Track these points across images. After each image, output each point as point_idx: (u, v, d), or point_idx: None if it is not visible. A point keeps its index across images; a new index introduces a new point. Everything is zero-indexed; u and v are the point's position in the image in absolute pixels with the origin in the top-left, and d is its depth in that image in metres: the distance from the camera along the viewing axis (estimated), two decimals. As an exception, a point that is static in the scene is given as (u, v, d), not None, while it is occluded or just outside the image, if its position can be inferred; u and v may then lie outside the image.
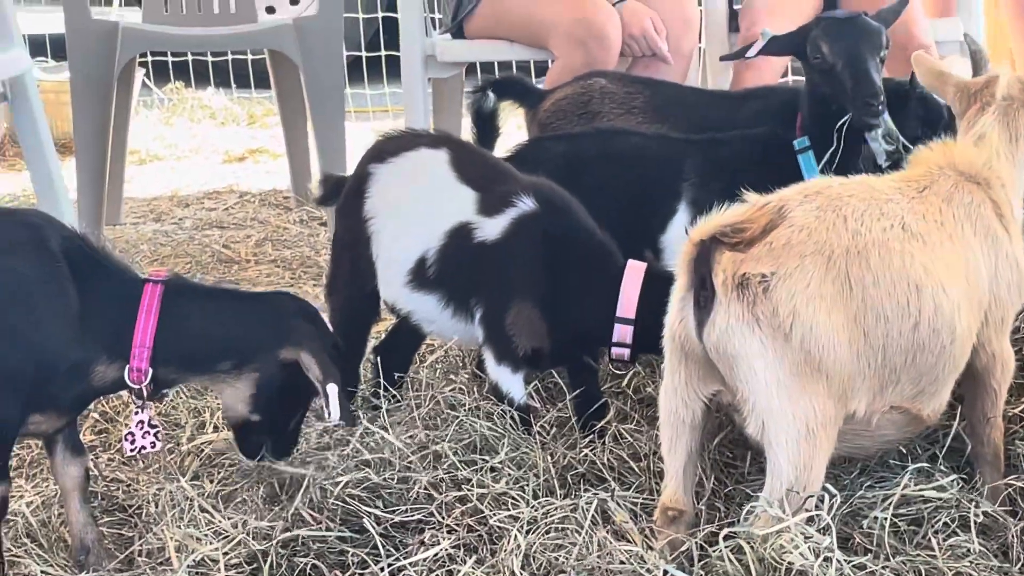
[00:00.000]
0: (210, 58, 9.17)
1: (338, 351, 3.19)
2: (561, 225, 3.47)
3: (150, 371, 3.04)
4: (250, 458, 3.23)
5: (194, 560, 2.96)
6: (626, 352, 3.43)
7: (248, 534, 3.03)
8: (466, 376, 3.78)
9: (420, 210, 3.54)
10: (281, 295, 3.35)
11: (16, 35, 4.98)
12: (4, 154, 7.37)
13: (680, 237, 3.74)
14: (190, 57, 9.16)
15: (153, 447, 3.18)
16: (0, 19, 4.98)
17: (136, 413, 3.17)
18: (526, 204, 3.46)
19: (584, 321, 3.45)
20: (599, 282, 3.43)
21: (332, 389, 3.05)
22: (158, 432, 3.19)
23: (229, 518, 3.12)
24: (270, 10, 9.15)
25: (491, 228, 3.46)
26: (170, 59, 9.14)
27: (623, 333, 3.40)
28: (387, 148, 3.67)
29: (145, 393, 3.08)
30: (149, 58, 8.82)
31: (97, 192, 6.02)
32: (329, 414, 3.06)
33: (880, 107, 3.75)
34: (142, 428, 3.17)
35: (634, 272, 3.41)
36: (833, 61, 3.85)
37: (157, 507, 3.22)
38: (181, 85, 9.02)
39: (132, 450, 3.19)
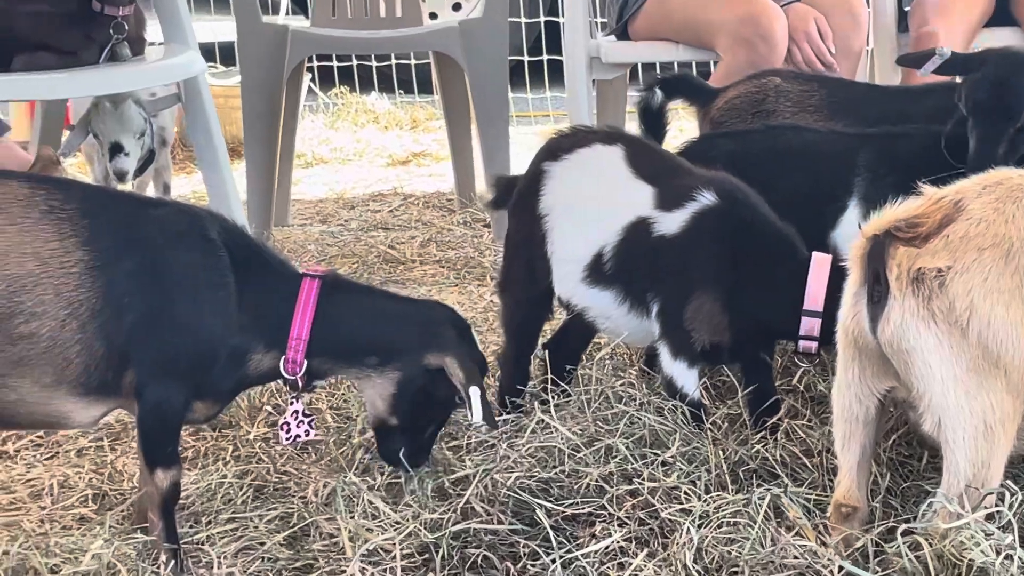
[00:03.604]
0: (374, 63, 9.28)
1: (484, 368, 3.23)
2: (743, 218, 3.45)
3: (305, 363, 3.09)
4: (388, 463, 3.27)
5: (367, 550, 2.99)
6: (813, 345, 3.40)
7: (421, 525, 3.06)
8: (634, 373, 3.77)
9: (596, 206, 3.54)
10: (433, 303, 3.39)
11: (191, 38, 5.07)
12: (175, 157, 7.51)
13: (851, 233, 3.71)
14: (354, 62, 9.28)
15: (307, 435, 3.25)
16: (175, 23, 5.08)
17: (291, 403, 3.23)
18: (706, 198, 3.45)
19: (770, 315, 3.43)
20: (785, 275, 3.40)
21: (475, 392, 3.09)
22: (312, 421, 3.25)
23: (401, 511, 3.15)
24: (432, 16, 9.28)
25: (670, 222, 3.45)
26: (335, 64, 9.27)
27: (811, 326, 3.37)
28: (561, 145, 3.67)
29: (300, 384, 3.13)
30: (315, 63, 8.95)
31: (266, 194, 6.12)
32: (472, 415, 3.10)
33: None
34: (296, 418, 3.24)
35: (820, 264, 3.38)
36: (967, 114, 3.80)
37: (329, 498, 3.26)
38: (346, 90, 9.13)
39: (287, 439, 3.26)
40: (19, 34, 4.59)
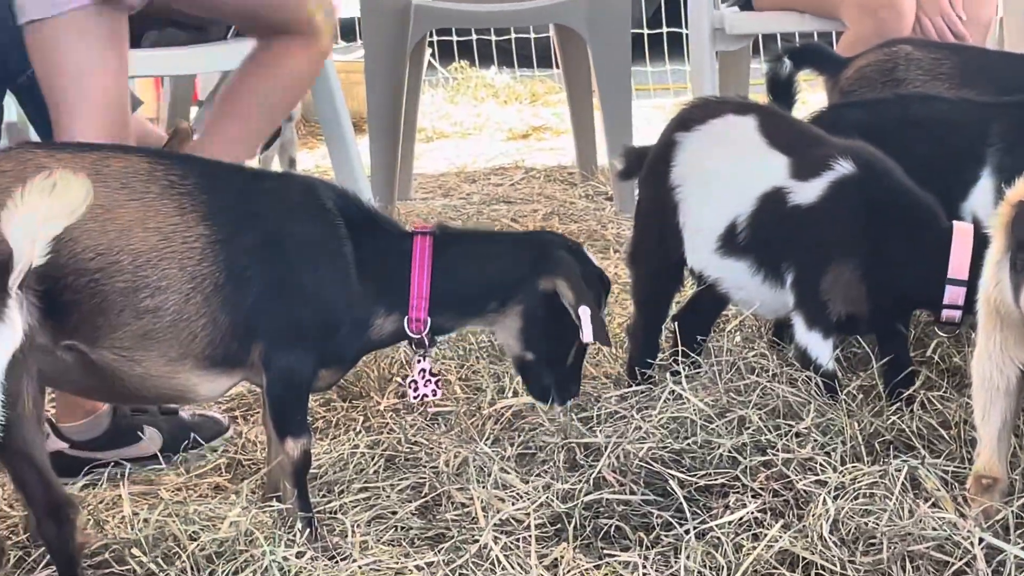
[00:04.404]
0: (493, 37, 9.30)
1: (606, 284, 3.23)
2: (882, 187, 3.41)
3: (429, 320, 3.11)
4: (541, 401, 3.29)
5: (499, 520, 3.00)
6: (957, 314, 3.36)
7: (553, 495, 3.06)
8: (764, 344, 3.75)
9: (729, 176, 3.51)
10: (544, 232, 3.40)
11: (316, 13, 5.09)
12: (298, 132, 7.58)
13: (983, 204, 3.66)
14: (474, 37, 9.30)
15: (434, 394, 3.26)
16: (301, -2, 5.10)
17: (417, 362, 3.23)
18: (843, 167, 3.41)
19: (913, 284, 3.39)
20: (928, 244, 3.37)
21: (584, 311, 3.06)
22: (439, 380, 3.27)
23: (533, 481, 3.15)
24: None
25: (807, 192, 3.42)
26: (455, 39, 9.30)
27: (955, 295, 3.33)
28: (693, 116, 3.65)
29: (426, 342, 3.14)
30: (435, 38, 8.98)
31: (390, 168, 6.15)
32: (583, 335, 3.08)
33: None
34: (424, 376, 3.24)
35: (963, 233, 3.34)
36: None
37: (460, 468, 3.28)
38: (465, 64, 9.16)
39: (415, 398, 3.27)
40: (149, 11, 4.65)
